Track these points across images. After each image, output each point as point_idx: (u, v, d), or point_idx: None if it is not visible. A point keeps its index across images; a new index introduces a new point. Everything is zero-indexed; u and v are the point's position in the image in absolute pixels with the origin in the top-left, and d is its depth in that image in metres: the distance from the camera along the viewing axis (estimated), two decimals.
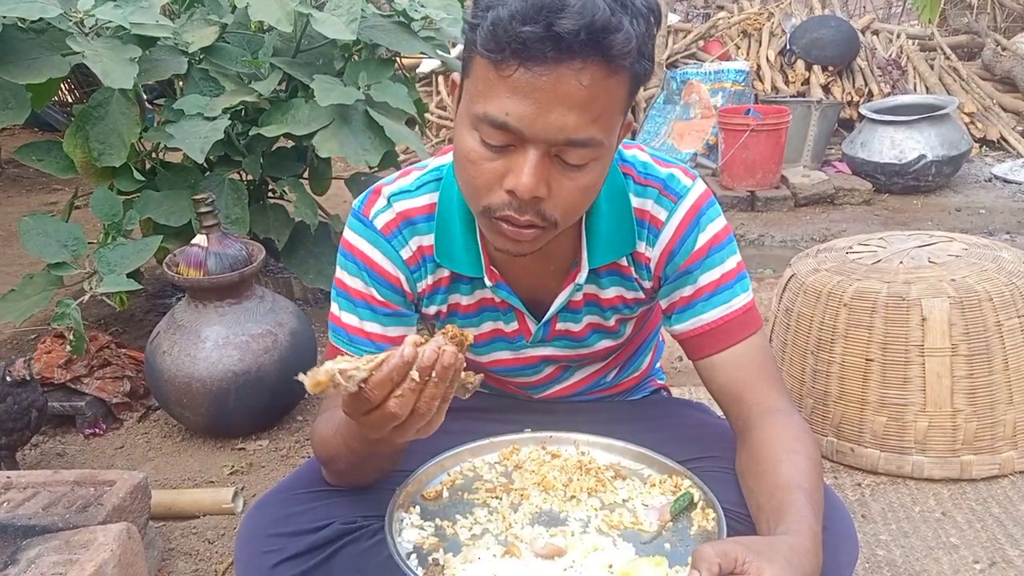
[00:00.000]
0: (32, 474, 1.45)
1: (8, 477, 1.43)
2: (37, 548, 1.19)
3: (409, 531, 0.91)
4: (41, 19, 1.90)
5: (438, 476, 1.01)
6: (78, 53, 1.94)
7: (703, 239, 1.00)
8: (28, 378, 1.73)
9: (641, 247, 1.01)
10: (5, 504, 1.36)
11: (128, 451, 1.98)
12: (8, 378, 1.70)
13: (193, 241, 1.97)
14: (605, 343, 1.10)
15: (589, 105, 0.80)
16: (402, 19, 2.42)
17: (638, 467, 1.04)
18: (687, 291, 1.01)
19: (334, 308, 1.05)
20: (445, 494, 0.99)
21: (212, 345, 1.89)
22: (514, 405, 1.20)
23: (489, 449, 1.06)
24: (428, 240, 1.02)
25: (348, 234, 1.03)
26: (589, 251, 1.00)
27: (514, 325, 1.07)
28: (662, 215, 1.00)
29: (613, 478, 1.02)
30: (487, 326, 1.07)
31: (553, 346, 1.10)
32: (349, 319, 1.04)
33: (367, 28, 2.36)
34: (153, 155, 2.43)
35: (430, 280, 1.04)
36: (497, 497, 0.98)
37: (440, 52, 2.57)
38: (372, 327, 1.03)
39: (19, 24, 1.97)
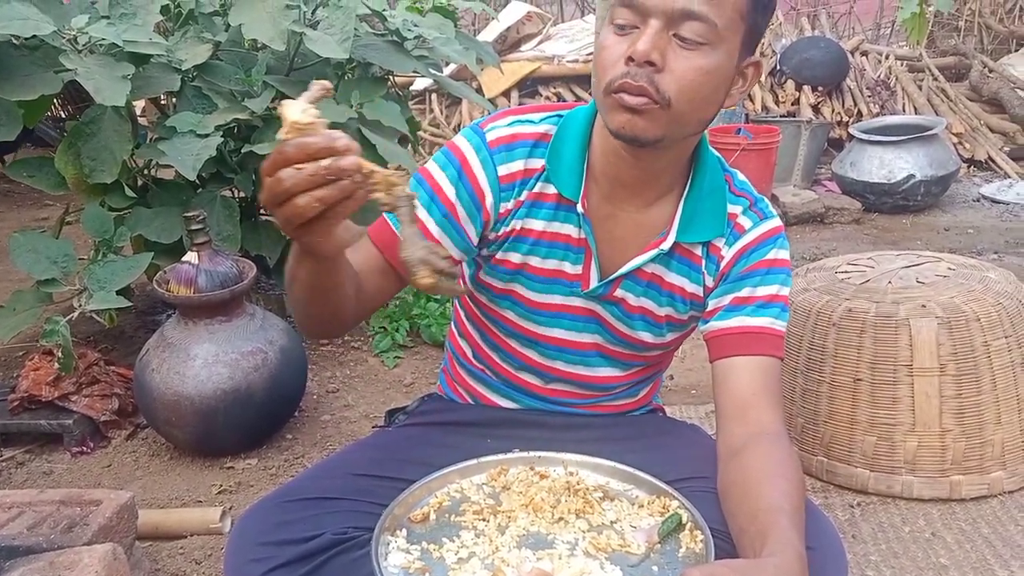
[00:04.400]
0: (17, 494, 1.43)
1: None
2: (20, 569, 1.18)
3: (395, 555, 0.91)
4: (35, 36, 1.91)
5: (425, 498, 1.01)
6: (71, 70, 1.94)
7: (774, 254, 1.07)
8: None
9: (720, 243, 1.08)
10: None
11: (116, 470, 1.97)
12: None
13: (184, 258, 1.97)
14: (646, 336, 1.12)
15: None
16: (395, 38, 2.43)
17: (627, 488, 1.04)
18: (743, 293, 1.06)
19: None
20: (432, 516, 0.98)
21: (201, 363, 1.88)
22: (506, 419, 1.20)
23: (477, 470, 1.06)
24: (537, 162, 1.06)
25: (456, 138, 1.08)
26: (681, 224, 1.06)
27: (578, 268, 1.08)
28: (747, 224, 1.08)
29: (601, 499, 1.01)
30: (551, 263, 1.08)
31: (604, 307, 1.10)
32: None
33: (360, 47, 2.37)
34: (145, 172, 2.43)
35: (518, 200, 1.06)
36: (484, 519, 0.97)
37: (433, 71, 2.59)
38: (423, 214, 1.05)
39: (12, 41, 1.98)
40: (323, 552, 0.94)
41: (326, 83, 0.80)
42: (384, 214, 1.07)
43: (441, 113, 5.15)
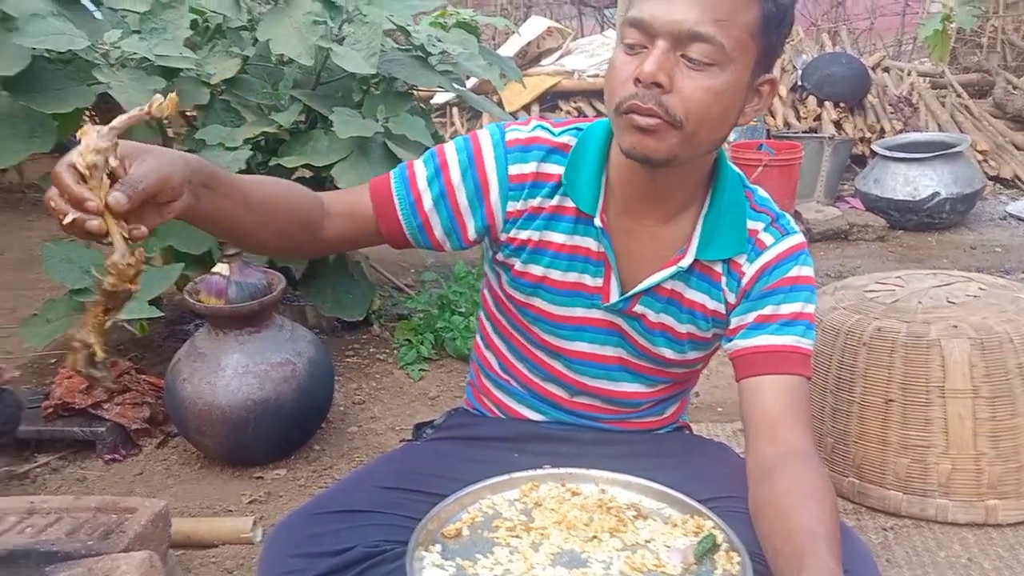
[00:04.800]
0: (55, 499, 1.45)
1: (31, 502, 1.43)
2: (60, 575, 1.20)
3: (430, 570, 0.91)
4: (69, 51, 1.95)
5: (457, 514, 1.00)
6: (103, 83, 1.98)
7: (797, 271, 1.06)
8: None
9: (741, 259, 1.07)
10: (29, 529, 1.36)
11: (147, 478, 1.99)
12: None
13: (214, 269, 1.99)
14: (667, 352, 1.12)
15: (712, 6, 0.91)
16: (420, 53, 2.46)
17: (659, 506, 1.04)
18: (767, 311, 1.05)
19: (416, 161, 1.10)
20: (465, 532, 0.98)
21: (232, 373, 1.90)
22: (535, 434, 1.20)
23: (508, 486, 1.06)
24: (552, 169, 1.07)
25: (479, 130, 1.10)
26: (701, 241, 1.06)
27: (598, 281, 1.09)
28: (768, 240, 1.07)
29: (634, 517, 1.01)
30: (572, 276, 1.09)
31: (625, 321, 1.11)
32: (419, 168, 1.08)
33: (386, 62, 2.40)
34: None
35: (530, 204, 1.07)
36: (517, 536, 0.97)
37: (456, 85, 2.61)
38: (423, 188, 1.07)
39: (47, 55, 2.02)
40: (356, 565, 0.94)
41: (160, 100, 0.79)
42: (390, 172, 1.10)
43: (463, 126, 5.18)
